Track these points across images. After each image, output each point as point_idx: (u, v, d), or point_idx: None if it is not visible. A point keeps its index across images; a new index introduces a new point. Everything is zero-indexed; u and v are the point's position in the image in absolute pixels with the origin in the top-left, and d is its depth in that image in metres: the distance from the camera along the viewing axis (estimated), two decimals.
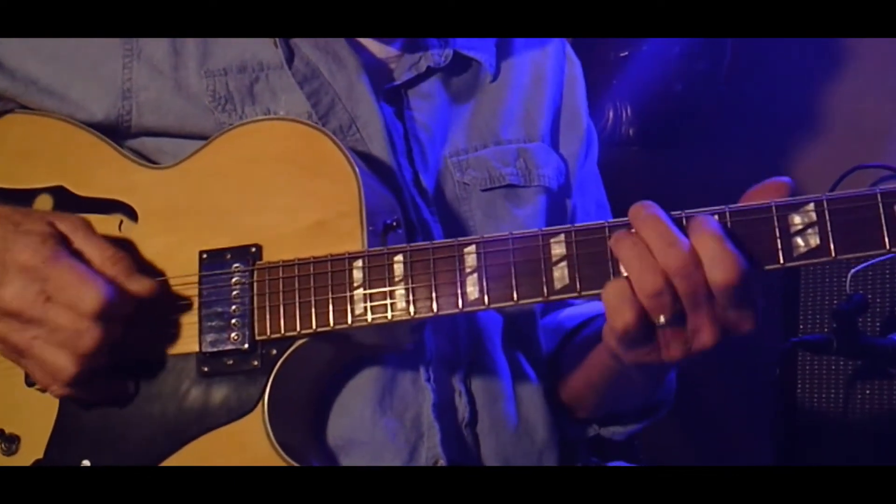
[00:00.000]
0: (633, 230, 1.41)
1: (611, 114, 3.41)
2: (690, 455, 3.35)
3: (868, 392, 2.77)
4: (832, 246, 1.38)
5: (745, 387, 2.96)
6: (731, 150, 3.32)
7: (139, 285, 1.53)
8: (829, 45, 3.34)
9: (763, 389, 2.87)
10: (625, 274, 1.41)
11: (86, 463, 1.56)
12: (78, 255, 1.51)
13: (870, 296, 2.72)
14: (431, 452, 1.65)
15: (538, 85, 1.94)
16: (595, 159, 2.04)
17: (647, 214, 1.40)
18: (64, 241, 1.51)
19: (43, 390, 1.56)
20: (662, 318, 1.39)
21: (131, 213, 1.63)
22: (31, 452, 1.59)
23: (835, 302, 2.82)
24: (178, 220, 1.62)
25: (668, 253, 1.37)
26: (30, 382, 1.59)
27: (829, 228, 1.38)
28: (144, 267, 1.59)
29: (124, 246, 1.59)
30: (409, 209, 1.70)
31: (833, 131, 3.42)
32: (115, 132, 1.70)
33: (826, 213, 1.38)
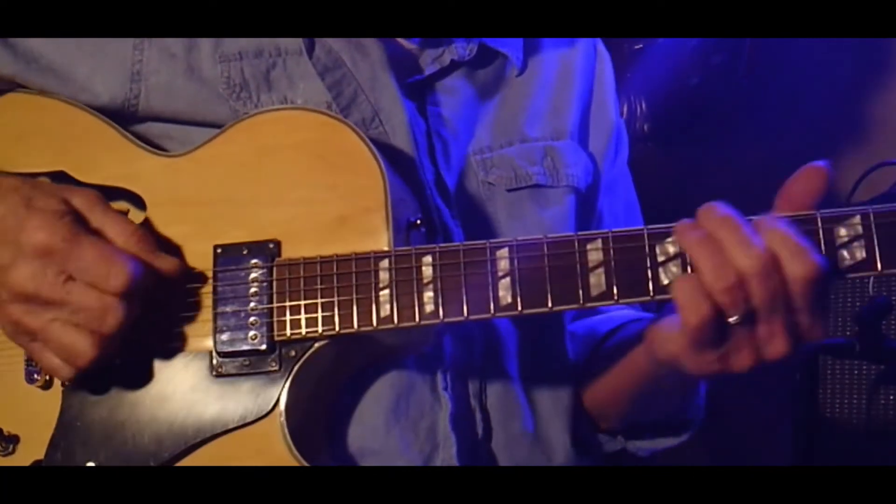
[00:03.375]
0: (700, 228, 1.38)
1: (625, 109, 3.39)
2: (710, 460, 3.33)
3: (892, 397, 2.79)
4: (879, 260, 1.36)
5: (766, 392, 2.92)
6: (750, 146, 3.29)
7: (165, 263, 1.48)
8: (853, 38, 3.30)
9: (784, 394, 2.85)
10: (665, 281, 1.38)
11: (90, 464, 1.51)
12: (97, 232, 1.45)
13: (894, 298, 2.72)
14: (447, 465, 1.60)
15: (566, 80, 1.89)
16: (625, 158, 2.00)
17: (721, 215, 1.37)
18: (80, 218, 1.45)
19: (46, 386, 1.53)
20: (736, 317, 1.35)
21: (138, 202, 1.57)
22: (30, 453, 1.54)
23: (857, 305, 2.83)
24: (189, 210, 1.56)
25: (746, 255, 1.34)
26: (30, 380, 1.54)
27: (875, 242, 1.36)
28: None
29: None
30: (430, 210, 1.65)
31: (857, 127, 3.40)
32: (120, 116, 1.63)
33: (872, 226, 1.37)
